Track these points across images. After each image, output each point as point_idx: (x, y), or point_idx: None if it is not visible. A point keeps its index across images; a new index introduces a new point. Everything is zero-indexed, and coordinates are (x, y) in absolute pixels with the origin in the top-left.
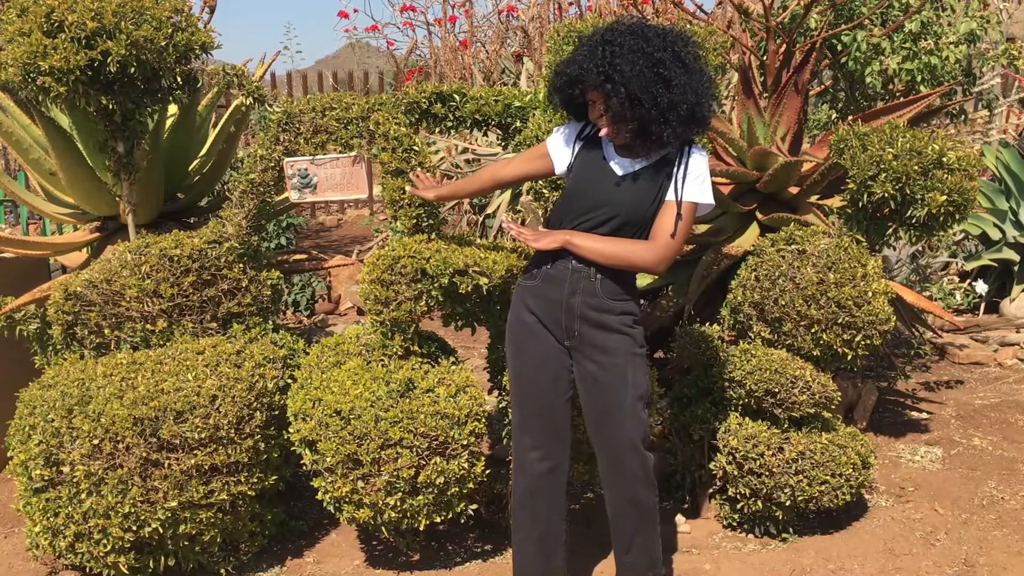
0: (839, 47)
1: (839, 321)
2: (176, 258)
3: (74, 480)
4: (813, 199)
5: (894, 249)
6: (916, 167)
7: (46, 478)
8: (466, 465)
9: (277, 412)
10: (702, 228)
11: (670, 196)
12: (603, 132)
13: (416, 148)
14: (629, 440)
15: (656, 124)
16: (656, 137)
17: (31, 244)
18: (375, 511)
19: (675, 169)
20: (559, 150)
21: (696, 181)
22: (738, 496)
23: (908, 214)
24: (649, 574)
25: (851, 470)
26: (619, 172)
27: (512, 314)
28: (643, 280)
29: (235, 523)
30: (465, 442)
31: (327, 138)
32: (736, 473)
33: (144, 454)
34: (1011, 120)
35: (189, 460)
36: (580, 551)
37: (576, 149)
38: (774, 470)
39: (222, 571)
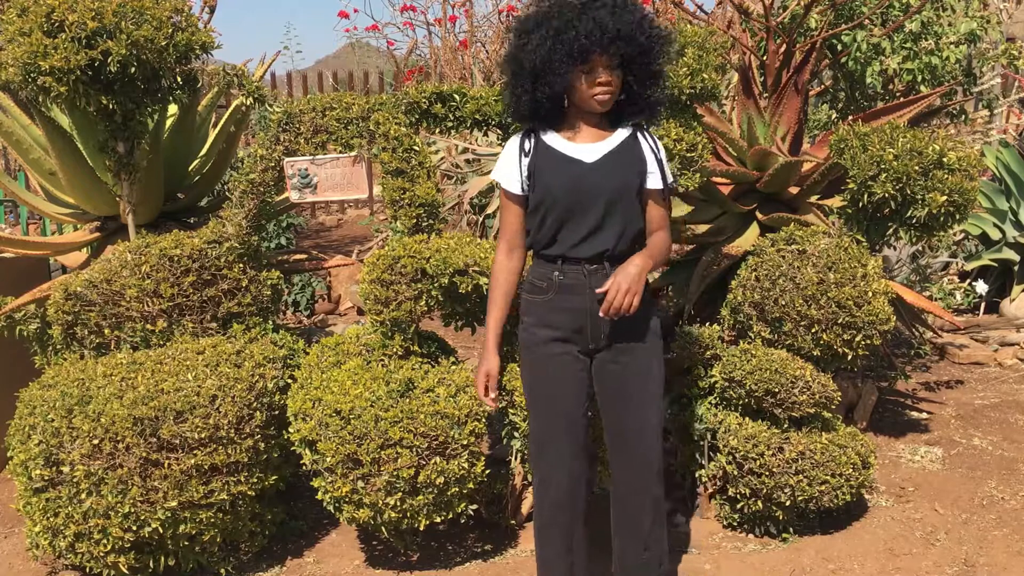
0: (839, 47)
1: (839, 321)
2: (176, 258)
3: (74, 480)
4: (813, 199)
5: (894, 249)
6: (916, 167)
7: (46, 478)
8: (466, 465)
9: (277, 412)
10: (702, 228)
11: (656, 183)
12: (598, 99)
13: (416, 148)
14: (650, 432)
15: (650, 83)
16: (648, 98)
17: (31, 244)
18: (375, 511)
19: (648, 150)
20: (509, 178)
21: (667, 164)
22: (738, 496)
23: (908, 214)
24: (660, 569)
25: (851, 470)
26: (588, 159)
27: (525, 332)
28: None
29: (235, 523)
30: (465, 442)
31: (327, 138)
32: (736, 473)
33: (144, 454)
34: (1011, 120)
35: (189, 460)
36: None
37: (525, 162)
38: (774, 470)
39: (222, 571)
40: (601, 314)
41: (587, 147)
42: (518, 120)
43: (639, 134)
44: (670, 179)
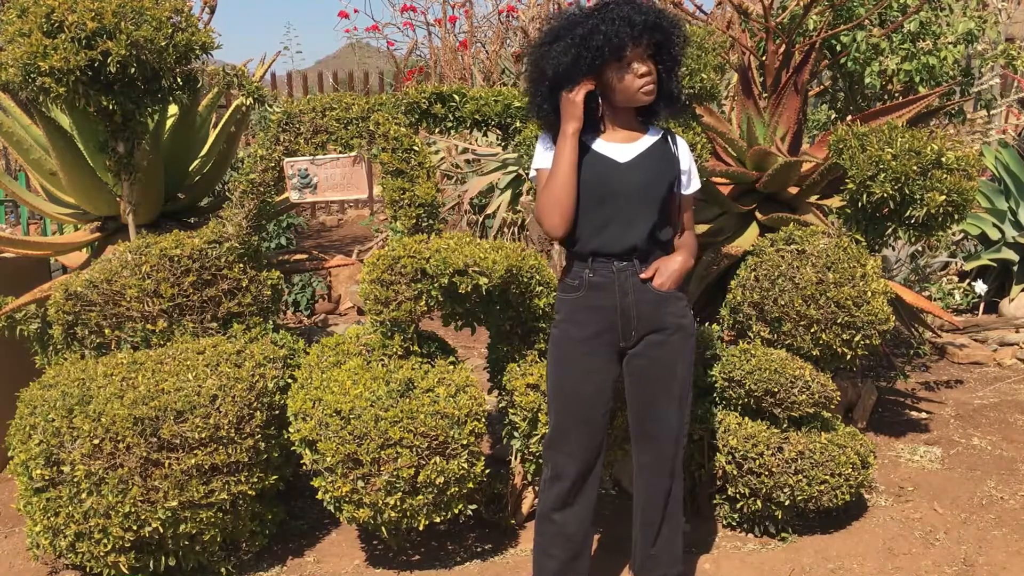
0: (838, 47)
1: (838, 321)
2: (176, 258)
3: (75, 480)
4: (813, 199)
5: (893, 249)
6: (915, 167)
7: (47, 478)
8: (466, 465)
9: (277, 412)
10: (702, 228)
11: (691, 188)
12: (644, 91)
13: (416, 148)
14: (667, 433)
15: (673, 78)
16: (675, 94)
17: (32, 244)
18: (375, 511)
19: (682, 155)
20: (543, 167)
21: (695, 171)
22: (737, 496)
23: (907, 214)
24: (673, 570)
25: (850, 470)
26: (620, 159)
27: (556, 329)
28: None
29: (235, 522)
30: (465, 442)
31: (327, 138)
32: (736, 473)
33: (144, 454)
34: (1010, 120)
35: (189, 460)
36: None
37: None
38: (773, 470)
39: (223, 570)
40: (642, 277)
41: (621, 147)
42: (547, 127)
43: (670, 138)
44: (698, 184)
